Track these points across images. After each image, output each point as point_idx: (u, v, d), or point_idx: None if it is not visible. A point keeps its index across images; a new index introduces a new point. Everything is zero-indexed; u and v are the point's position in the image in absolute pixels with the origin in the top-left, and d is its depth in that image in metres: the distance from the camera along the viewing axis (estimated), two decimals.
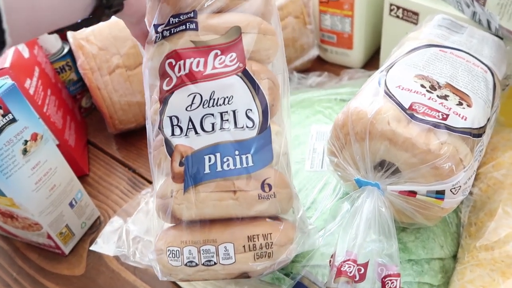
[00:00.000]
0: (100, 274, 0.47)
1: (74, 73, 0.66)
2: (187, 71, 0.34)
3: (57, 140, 0.54)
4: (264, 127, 0.34)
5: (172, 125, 0.34)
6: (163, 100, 0.35)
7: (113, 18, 0.61)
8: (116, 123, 0.61)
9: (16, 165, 0.41)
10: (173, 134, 0.34)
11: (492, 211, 0.38)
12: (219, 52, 0.34)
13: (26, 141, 0.42)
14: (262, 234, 0.33)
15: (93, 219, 0.52)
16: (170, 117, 0.35)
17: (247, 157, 0.33)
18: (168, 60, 0.35)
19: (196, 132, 0.34)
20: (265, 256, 0.33)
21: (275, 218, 0.35)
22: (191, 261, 0.34)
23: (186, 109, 0.34)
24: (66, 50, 0.65)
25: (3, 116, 0.39)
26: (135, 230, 0.44)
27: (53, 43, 0.64)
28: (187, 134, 0.34)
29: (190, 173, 0.34)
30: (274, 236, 0.33)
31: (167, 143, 0.35)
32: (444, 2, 0.51)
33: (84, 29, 0.57)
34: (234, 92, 0.34)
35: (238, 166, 0.33)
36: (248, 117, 0.34)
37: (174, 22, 0.35)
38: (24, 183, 0.42)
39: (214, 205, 0.34)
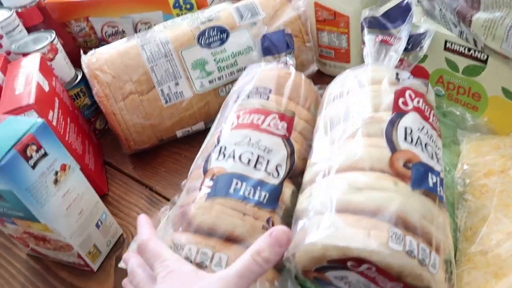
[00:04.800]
0: None
1: (88, 98, 0.70)
2: (249, 121, 0.45)
3: (79, 165, 0.58)
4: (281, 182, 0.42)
5: (220, 152, 0.43)
6: (221, 135, 0.46)
7: (124, 45, 0.65)
8: (131, 144, 0.65)
9: (49, 194, 0.45)
10: (217, 159, 0.42)
11: (485, 217, 0.42)
12: (276, 117, 0.45)
13: (56, 172, 0.46)
14: None
15: (117, 237, 0.56)
16: (221, 147, 0.44)
17: (265, 195, 0.39)
18: (237, 113, 0.47)
19: (234, 160, 0.42)
20: None
21: None
22: (187, 258, 0.38)
23: (234, 144, 0.43)
24: (79, 77, 0.68)
25: (36, 152, 0.43)
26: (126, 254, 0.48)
27: (67, 72, 0.68)
28: (227, 160, 0.42)
29: (217, 188, 0.40)
30: None
31: (206, 165, 0.43)
32: (432, 21, 0.54)
33: (98, 58, 0.62)
34: (275, 148, 0.43)
35: (256, 198, 0.39)
36: (277, 170, 0.42)
37: (253, 91, 0.49)
38: (56, 210, 0.46)
39: (225, 218, 0.39)
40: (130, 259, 0.40)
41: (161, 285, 0.33)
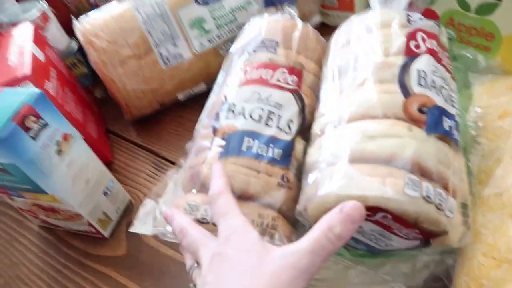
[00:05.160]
0: (140, 252, 0.51)
1: (85, 67, 0.68)
2: (257, 76, 0.43)
3: (81, 134, 0.57)
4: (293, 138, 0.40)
5: (229, 110, 0.41)
6: (229, 93, 0.43)
7: (117, 8, 0.63)
8: (132, 110, 0.63)
9: (53, 165, 0.44)
10: (227, 117, 0.41)
11: (499, 158, 0.40)
12: (285, 71, 0.43)
13: (59, 142, 0.45)
14: (272, 216, 0.37)
15: (125, 203, 0.56)
16: (230, 104, 0.42)
17: (278, 152, 0.38)
18: (245, 68, 0.45)
19: (244, 117, 0.40)
20: (267, 235, 0.36)
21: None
22: (204, 218, 0.37)
23: (244, 101, 0.42)
24: (74, 45, 0.66)
25: (36, 123, 0.42)
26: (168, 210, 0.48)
27: (61, 40, 0.65)
28: (236, 117, 0.40)
29: (229, 146, 0.39)
30: (281, 223, 0.37)
31: (215, 124, 0.42)
32: None
33: (91, 24, 0.59)
34: (285, 103, 0.42)
35: (269, 155, 0.38)
36: (288, 125, 0.40)
37: (259, 45, 0.46)
38: (62, 180, 0.46)
39: (239, 177, 0.38)
40: (176, 218, 0.37)
41: (223, 246, 0.30)
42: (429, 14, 0.56)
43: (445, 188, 0.31)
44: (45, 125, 0.44)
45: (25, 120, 0.41)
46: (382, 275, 0.36)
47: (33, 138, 0.42)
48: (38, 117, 0.43)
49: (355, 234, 0.34)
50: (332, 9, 0.69)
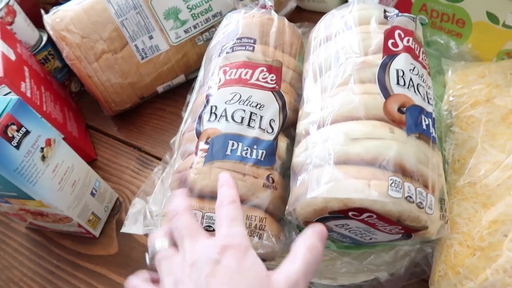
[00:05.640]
0: (132, 250, 0.52)
1: (58, 61, 0.66)
2: (236, 77, 0.43)
3: (62, 134, 0.56)
4: (276, 137, 0.41)
5: (211, 113, 0.41)
6: (210, 94, 0.44)
7: (88, 1, 0.61)
8: (112, 106, 0.63)
9: (38, 172, 0.44)
10: (209, 120, 0.41)
11: (472, 148, 0.43)
12: (264, 69, 0.44)
13: (42, 148, 0.44)
14: (259, 217, 0.38)
15: (113, 202, 0.57)
16: (211, 106, 0.42)
17: (262, 153, 0.38)
18: (224, 68, 0.45)
19: (227, 120, 0.41)
20: (256, 236, 0.38)
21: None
22: None
23: (225, 102, 0.42)
24: (45, 39, 0.64)
25: (17, 131, 0.42)
26: (157, 210, 0.49)
27: (30, 34, 0.63)
28: (219, 120, 0.41)
29: (214, 151, 0.40)
30: (268, 223, 0.38)
31: (198, 127, 0.42)
32: None
33: (62, 18, 0.57)
34: (266, 103, 0.42)
35: (254, 157, 0.38)
36: (271, 125, 0.41)
37: (237, 43, 0.46)
38: (49, 185, 0.46)
39: None
40: (178, 198, 0.36)
41: (222, 255, 0.29)
42: (402, 1, 0.57)
43: (425, 185, 0.33)
44: (27, 132, 0.43)
45: (7, 130, 0.41)
46: (367, 265, 0.39)
47: (16, 147, 0.42)
48: (19, 125, 0.42)
49: (343, 231, 0.37)
50: None
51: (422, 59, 0.41)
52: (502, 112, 0.44)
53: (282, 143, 0.42)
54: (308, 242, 0.31)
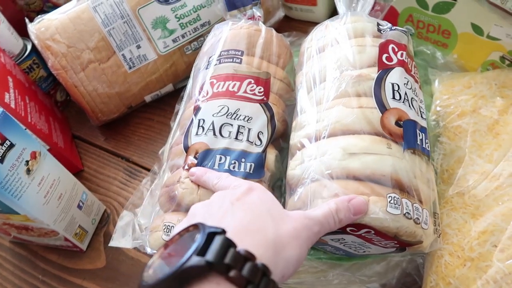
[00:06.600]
0: (121, 263, 0.51)
1: (43, 70, 0.65)
2: (224, 89, 0.43)
3: (47, 145, 0.55)
4: (264, 149, 0.41)
5: (198, 126, 0.41)
6: (197, 107, 0.43)
7: (74, 10, 0.60)
8: (99, 116, 0.62)
9: (23, 185, 0.43)
10: (197, 134, 0.41)
11: (460, 158, 0.43)
12: (252, 81, 0.44)
13: (27, 162, 0.43)
14: None
15: (100, 214, 0.56)
16: (199, 120, 0.42)
17: (250, 166, 0.38)
18: (211, 80, 0.44)
19: (214, 134, 0.40)
20: None
21: None
22: None
23: (212, 115, 0.42)
24: (29, 48, 0.63)
25: (1, 144, 0.41)
26: (146, 223, 0.48)
27: (14, 43, 0.62)
28: (207, 134, 0.40)
29: (202, 166, 0.39)
30: None
31: (186, 141, 0.41)
32: None
33: (47, 27, 0.56)
34: (254, 115, 0.42)
35: (242, 170, 0.38)
36: (259, 137, 0.41)
37: (224, 55, 0.46)
38: (34, 199, 0.45)
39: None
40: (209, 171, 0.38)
41: (247, 194, 0.31)
42: (388, 10, 0.57)
43: (420, 200, 0.34)
44: (12, 145, 0.42)
45: None
46: (359, 276, 0.39)
47: (0, 161, 0.41)
48: (3, 138, 0.41)
49: (338, 245, 0.37)
50: (294, 2, 0.69)
51: (414, 73, 0.42)
52: (488, 122, 0.45)
53: (271, 155, 0.42)
54: (333, 205, 0.31)
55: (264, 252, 0.26)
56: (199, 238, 0.25)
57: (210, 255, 0.24)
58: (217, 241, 0.25)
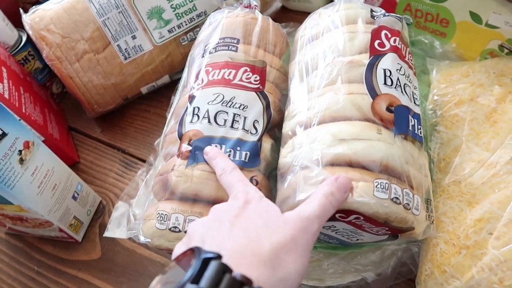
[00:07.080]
0: (116, 254, 0.51)
1: (38, 61, 0.64)
2: (219, 77, 0.42)
3: (42, 137, 0.55)
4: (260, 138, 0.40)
5: (193, 114, 0.41)
6: (192, 95, 0.43)
7: (69, 0, 0.59)
8: (95, 107, 0.61)
9: (16, 175, 0.43)
10: (191, 121, 0.40)
11: (457, 147, 0.43)
12: (248, 69, 0.43)
13: (20, 151, 0.43)
14: None
15: (96, 205, 0.55)
16: (194, 108, 0.41)
17: (246, 154, 0.38)
18: (206, 68, 0.44)
19: (209, 122, 0.40)
20: None
21: None
22: (176, 227, 0.38)
23: (207, 103, 0.41)
24: (24, 39, 0.62)
25: None
26: (141, 213, 0.48)
27: (9, 34, 0.61)
28: (201, 121, 0.40)
29: (197, 153, 0.39)
30: None
31: (180, 129, 0.41)
32: None
33: (41, 17, 0.56)
34: (250, 103, 0.42)
35: (237, 158, 0.38)
36: (254, 126, 0.40)
37: (220, 43, 0.45)
38: (28, 189, 0.44)
39: (207, 183, 0.38)
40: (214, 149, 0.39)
41: (243, 208, 0.31)
42: (387, 1, 0.57)
43: (411, 186, 0.33)
44: (4, 134, 0.42)
45: None
46: (354, 266, 0.38)
47: None
48: None
49: (330, 232, 0.36)
50: None
51: (409, 59, 0.41)
52: (486, 111, 0.44)
53: (267, 144, 0.41)
54: (325, 189, 0.31)
55: (261, 273, 0.26)
56: (193, 265, 0.24)
57: (204, 282, 0.24)
58: (212, 267, 0.24)
